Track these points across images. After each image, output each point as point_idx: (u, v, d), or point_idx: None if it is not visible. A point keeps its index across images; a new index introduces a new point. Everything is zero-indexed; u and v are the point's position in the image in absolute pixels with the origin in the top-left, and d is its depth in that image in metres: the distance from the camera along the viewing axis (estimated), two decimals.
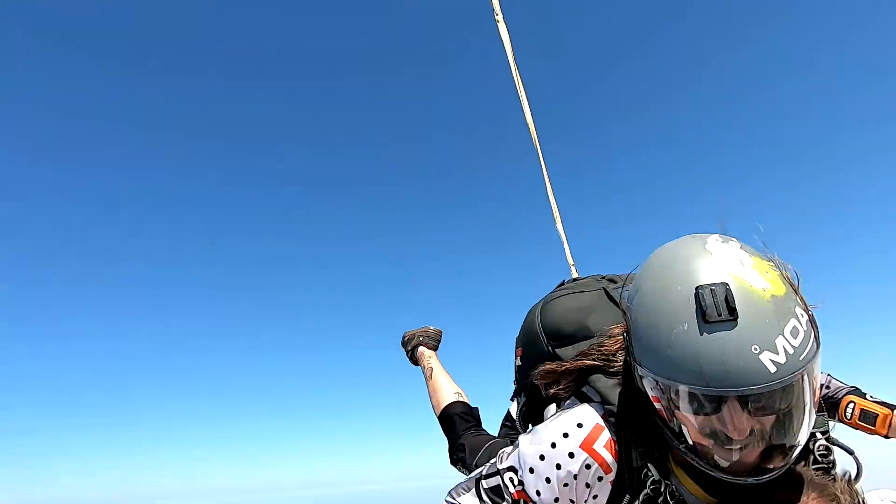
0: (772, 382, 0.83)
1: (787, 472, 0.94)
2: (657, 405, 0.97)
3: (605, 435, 1.05)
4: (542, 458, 1.06)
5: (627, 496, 1.03)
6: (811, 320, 0.91)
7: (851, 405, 1.38)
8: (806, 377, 0.88)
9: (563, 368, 1.21)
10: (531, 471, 1.06)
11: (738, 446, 0.90)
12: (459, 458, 2.00)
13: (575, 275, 2.14)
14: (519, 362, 1.55)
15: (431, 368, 2.38)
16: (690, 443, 0.94)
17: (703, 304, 0.85)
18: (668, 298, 0.90)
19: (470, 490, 1.16)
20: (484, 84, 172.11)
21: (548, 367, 1.26)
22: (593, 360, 1.16)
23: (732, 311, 0.84)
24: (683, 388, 0.89)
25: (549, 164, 2.80)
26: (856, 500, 0.95)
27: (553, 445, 1.05)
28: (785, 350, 0.84)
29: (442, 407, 2.21)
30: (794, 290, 0.92)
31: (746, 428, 0.88)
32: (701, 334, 0.85)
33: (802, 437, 0.94)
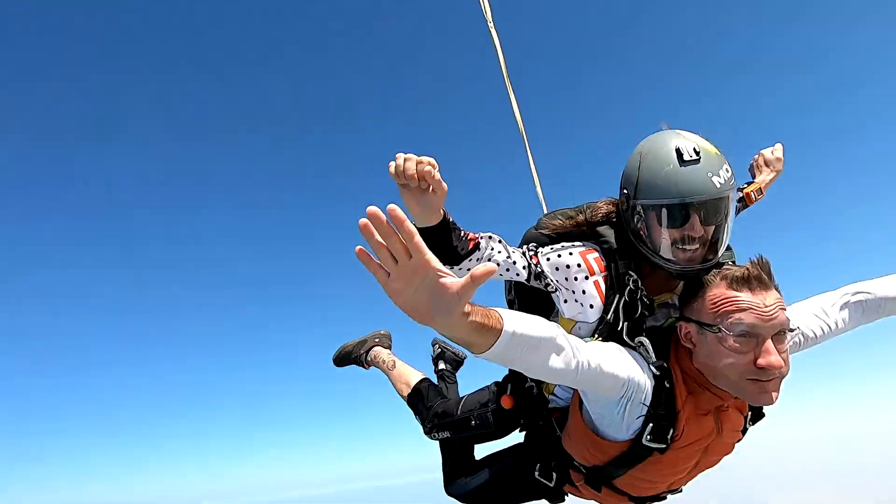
0: (717, 192, 1.40)
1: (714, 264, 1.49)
2: (642, 232, 1.50)
3: (596, 255, 1.58)
4: (552, 253, 1.58)
5: (617, 296, 1.54)
6: (732, 172, 1.48)
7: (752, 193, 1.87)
8: (731, 197, 1.46)
9: (570, 221, 1.69)
10: (546, 258, 1.57)
11: (693, 247, 1.45)
12: (436, 423, 2.11)
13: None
14: None
15: (394, 361, 2.45)
16: (661, 252, 1.47)
17: (681, 153, 1.42)
18: (659, 155, 1.46)
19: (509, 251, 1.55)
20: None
21: (556, 222, 1.72)
22: (588, 215, 1.67)
23: (697, 154, 1.41)
24: (667, 204, 1.42)
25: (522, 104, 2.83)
26: (762, 267, 1.35)
27: (561, 251, 1.58)
28: (723, 177, 1.42)
29: (412, 385, 2.29)
30: (725, 158, 1.48)
31: (700, 232, 1.43)
32: (680, 169, 1.41)
33: (725, 242, 1.51)
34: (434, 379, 2.46)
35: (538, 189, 2.78)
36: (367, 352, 2.56)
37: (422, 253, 0.92)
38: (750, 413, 1.53)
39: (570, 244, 1.61)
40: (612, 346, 1.41)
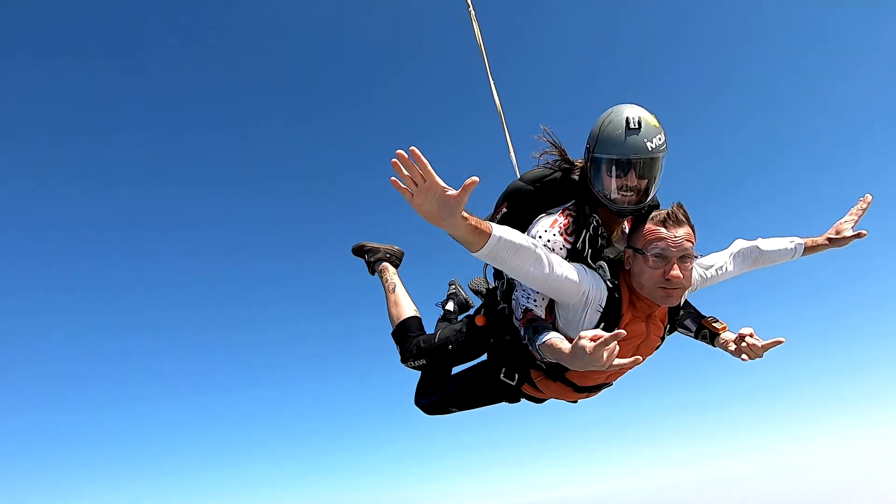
0: (649, 154, 1.88)
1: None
2: (596, 179, 1.97)
3: (566, 212, 2.05)
4: (538, 223, 2.05)
5: (584, 231, 2.01)
6: (665, 140, 1.93)
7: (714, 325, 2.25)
8: (661, 161, 1.94)
9: (548, 169, 2.18)
10: (548, 238, 1.99)
11: (630, 194, 1.92)
12: (414, 352, 2.43)
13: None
14: (505, 210, 2.25)
15: (395, 284, 2.76)
16: (609, 195, 1.95)
17: (629, 122, 1.89)
18: (614, 122, 1.93)
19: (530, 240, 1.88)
20: None
21: (536, 171, 2.21)
22: (562, 165, 2.15)
23: (639, 125, 1.88)
24: (614, 158, 1.90)
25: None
26: (678, 210, 1.85)
27: (540, 224, 2.04)
28: (656, 144, 1.89)
29: (402, 318, 2.60)
30: (662, 129, 1.93)
31: (636, 183, 1.91)
32: (626, 133, 1.88)
33: (653, 192, 1.98)
34: (424, 319, 2.70)
35: (511, 155, 2.93)
36: (378, 261, 2.86)
37: (431, 177, 1.47)
38: (668, 325, 2.09)
39: (544, 216, 2.11)
40: (578, 265, 1.93)
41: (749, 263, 2.30)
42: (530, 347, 1.86)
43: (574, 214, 2.04)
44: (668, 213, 1.85)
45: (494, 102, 2.98)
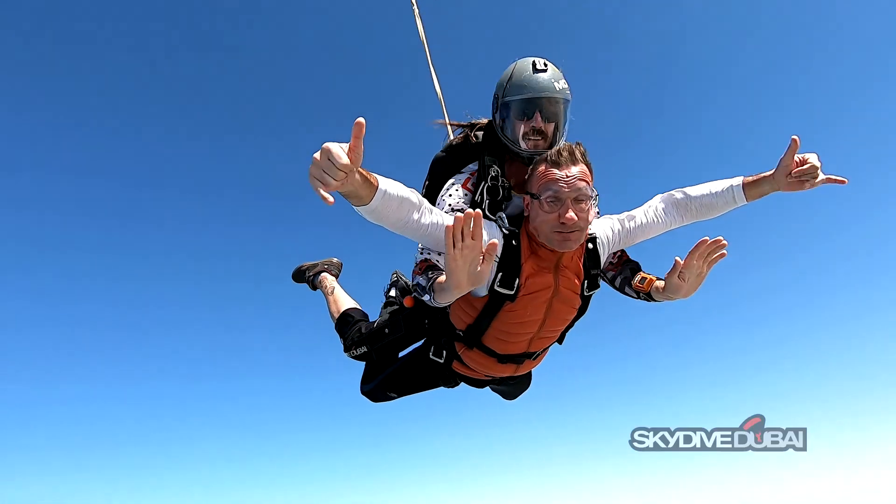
0: (556, 93, 1.90)
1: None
2: (505, 126, 1.98)
3: (466, 174, 2.07)
4: (448, 196, 2.02)
5: (483, 182, 1.98)
6: (569, 88, 1.96)
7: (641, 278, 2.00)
8: (564, 105, 1.95)
9: (460, 136, 2.21)
10: (448, 193, 2.02)
11: (538, 138, 1.92)
12: (354, 340, 2.40)
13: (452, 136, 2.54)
14: (427, 183, 2.23)
15: (333, 287, 2.77)
16: (517, 141, 1.95)
17: (535, 64, 1.93)
18: (521, 66, 1.97)
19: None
20: None
21: (450, 140, 2.26)
22: (469, 126, 2.21)
23: (546, 66, 1.94)
24: (523, 98, 1.90)
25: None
26: (570, 149, 1.74)
27: (448, 191, 2.04)
28: (561, 86, 1.93)
29: (342, 310, 2.58)
30: (564, 77, 1.97)
31: (542, 126, 1.91)
32: (533, 74, 1.92)
33: (562, 138, 1.97)
34: (365, 311, 2.69)
35: (444, 112, 2.83)
36: (316, 275, 2.88)
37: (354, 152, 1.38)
38: (587, 281, 1.92)
39: (453, 178, 2.11)
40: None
41: (680, 213, 2.00)
42: (426, 297, 1.75)
43: (477, 170, 2.06)
44: (558, 154, 1.74)
45: (435, 90, 2.87)
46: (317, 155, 1.35)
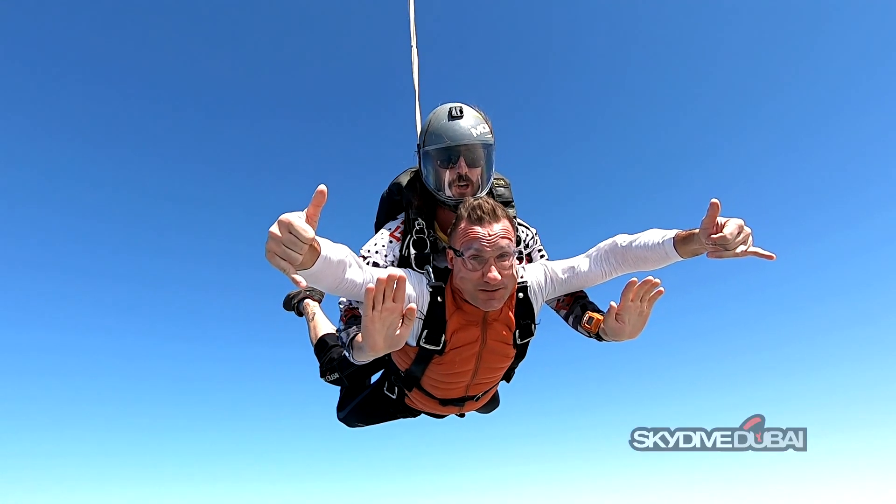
0: (473, 139, 1.89)
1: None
2: (430, 176, 1.96)
3: (395, 223, 2.07)
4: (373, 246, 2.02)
5: (408, 237, 1.97)
6: (492, 131, 1.97)
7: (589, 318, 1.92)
8: (486, 149, 1.93)
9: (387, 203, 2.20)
10: (374, 243, 2.02)
11: (464, 184, 1.90)
12: (328, 366, 2.42)
13: None
14: (376, 219, 2.28)
15: (314, 312, 2.81)
16: (443, 190, 1.93)
17: (451, 112, 1.93)
18: (437, 114, 1.97)
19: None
20: None
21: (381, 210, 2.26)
22: (395, 187, 2.17)
23: (462, 112, 1.93)
24: (440, 147, 1.89)
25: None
26: (492, 205, 1.70)
27: (374, 242, 2.03)
28: (479, 131, 1.91)
29: (319, 336, 2.60)
30: (487, 121, 1.97)
31: (467, 172, 1.89)
32: (449, 122, 1.91)
33: (487, 183, 1.99)
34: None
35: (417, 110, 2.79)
36: (300, 301, 2.91)
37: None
38: (518, 330, 1.88)
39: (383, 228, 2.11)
40: (397, 270, 1.80)
41: (618, 263, 1.86)
42: (346, 353, 1.72)
43: (404, 221, 2.05)
44: (480, 209, 1.68)
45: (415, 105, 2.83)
46: (275, 229, 1.22)
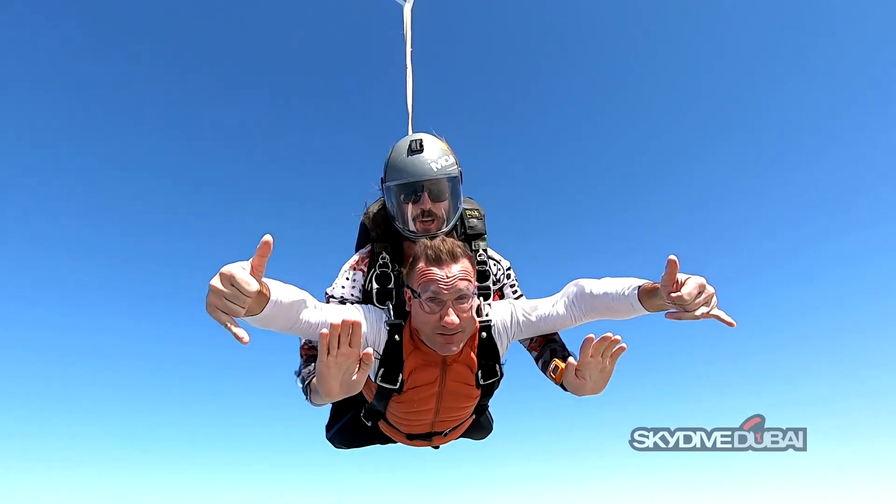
0: (436, 173, 1.85)
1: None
2: (393, 210, 1.92)
3: (362, 252, 2.03)
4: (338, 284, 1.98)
5: (372, 270, 1.92)
6: (457, 164, 1.93)
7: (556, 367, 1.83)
8: (450, 182, 1.89)
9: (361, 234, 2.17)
10: (340, 278, 1.99)
11: (429, 219, 1.87)
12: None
13: None
14: (355, 247, 2.23)
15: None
16: (407, 225, 1.89)
17: (412, 145, 1.88)
18: (398, 148, 1.93)
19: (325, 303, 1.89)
20: None
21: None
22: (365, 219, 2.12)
23: (422, 146, 1.88)
24: (400, 183, 1.85)
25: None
26: (450, 246, 1.63)
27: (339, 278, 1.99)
28: (441, 164, 1.87)
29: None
30: (452, 152, 1.94)
31: (431, 207, 1.85)
32: (409, 156, 1.87)
33: (453, 217, 1.94)
34: None
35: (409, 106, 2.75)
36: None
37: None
38: (481, 371, 1.81)
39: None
40: (353, 307, 1.78)
41: (584, 308, 1.74)
42: (304, 396, 1.68)
43: (370, 253, 2.01)
44: (438, 249, 1.61)
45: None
46: (217, 283, 1.17)
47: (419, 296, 1.61)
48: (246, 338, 1.18)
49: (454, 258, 1.61)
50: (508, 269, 2.08)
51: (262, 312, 1.36)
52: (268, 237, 1.20)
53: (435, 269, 1.59)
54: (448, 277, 1.58)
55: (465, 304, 1.61)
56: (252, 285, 1.19)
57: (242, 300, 1.19)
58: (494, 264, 2.04)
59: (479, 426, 2.29)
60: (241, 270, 1.19)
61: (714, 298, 1.43)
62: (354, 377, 1.39)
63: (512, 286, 2.08)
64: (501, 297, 2.05)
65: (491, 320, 1.80)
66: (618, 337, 1.55)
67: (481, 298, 1.84)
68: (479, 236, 2.08)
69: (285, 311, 1.45)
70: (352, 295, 1.93)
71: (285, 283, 1.49)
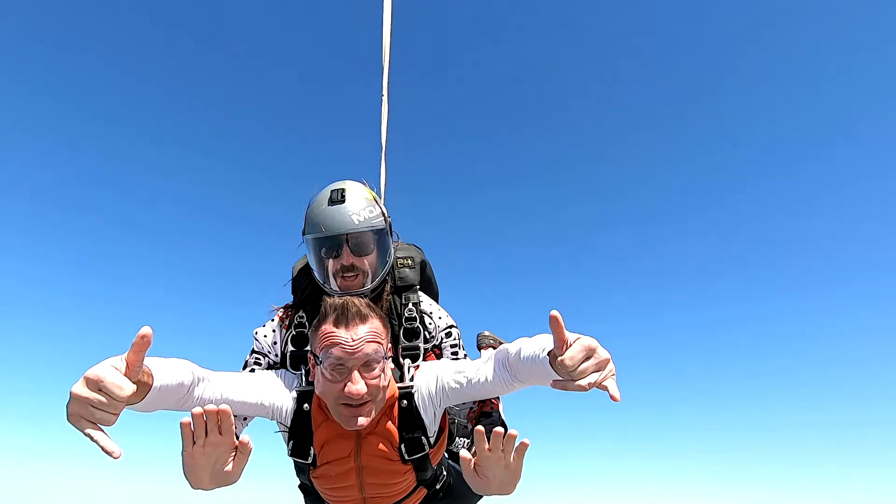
0: (355, 227, 1.68)
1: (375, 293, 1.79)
2: (313, 265, 1.78)
3: (280, 312, 1.87)
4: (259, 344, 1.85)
5: (286, 332, 1.78)
6: (385, 217, 1.79)
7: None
8: (375, 235, 1.73)
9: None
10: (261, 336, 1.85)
11: (351, 275, 1.71)
12: None
13: None
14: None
15: None
16: (328, 281, 1.74)
17: (331, 196, 1.72)
18: (317, 198, 1.76)
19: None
20: None
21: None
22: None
23: (343, 196, 1.71)
24: (316, 237, 1.71)
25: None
26: (358, 305, 1.45)
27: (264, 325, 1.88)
28: (366, 216, 1.71)
29: None
30: (377, 202, 1.78)
31: (353, 262, 1.70)
32: (327, 208, 1.70)
33: (380, 272, 1.77)
34: None
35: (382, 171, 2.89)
36: None
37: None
38: (404, 444, 1.56)
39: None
40: (256, 375, 1.62)
41: (511, 373, 1.49)
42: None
43: (290, 314, 1.85)
44: (345, 308, 1.42)
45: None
46: (81, 390, 1.00)
47: (321, 361, 1.42)
48: (117, 452, 1.01)
49: (362, 318, 1.43)
50: (449, 326, 1.86)
51: (144, 401, 1.20)
52: (146, 329, 1.03)
53: (339, 331, 1.40)
54: (353, 340, 1.39)
55: (374, 371, 1.42)
56: (126, 389, 1.02)
57: (114, 407, 1.02)
58: (429, 321, 1.83)
59: (456, 496, 1.86)
60: (111, 372, 1.02)
61: (609, 365, 1.16)
62: (228, 468, 1.22)
63: (453, 346, 1.84)
64: (439, 357, 1.83)
65: (413, 386, 1.58)
66: (513, 433, 1.33)
67: (407, 361, 1.67)
68: (410, 288, 1.90)
69: (172, 393, 1.29)
70: (270, 353, 1.80)
71: (168, 359, 1.33)
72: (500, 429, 1.33)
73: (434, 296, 2.11)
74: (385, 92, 2.93)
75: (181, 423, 1.14)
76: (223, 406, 1.15)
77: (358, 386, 1.37)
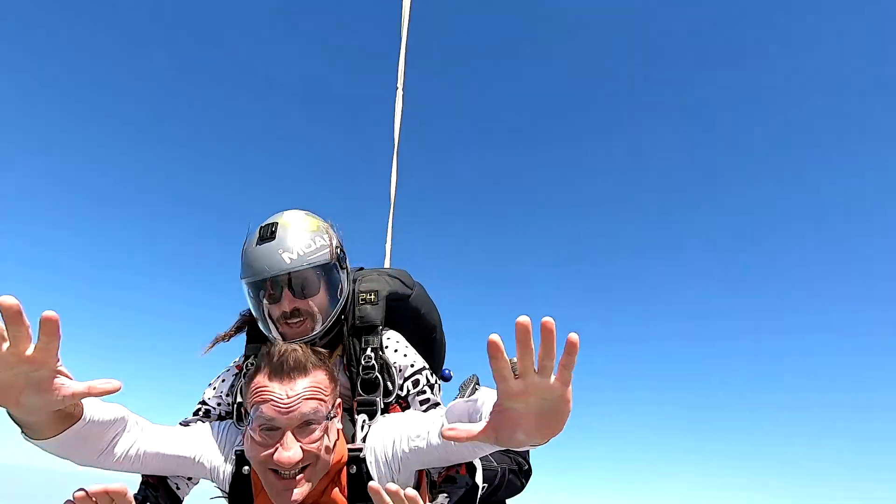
0: (285, 268, 1.44)
1: (327, 338, 1.56)
2: (254, 312, 1.56)
3: (237, 360, 1.66)
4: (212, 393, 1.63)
5: (241, 380, 1.54)
6: (332, 248, 1.54)
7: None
8: (319, 271, 1.49)
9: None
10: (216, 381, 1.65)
11: (296, 320, 1.48)
12: None
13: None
14: None
15: None
16: (270, 328, 1.52)
17: (261, 232, 1.49)
18: (249, 236, 1.53)
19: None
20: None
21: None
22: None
23: (273, 234, 1.47)
24: (248, 282, 1.50)
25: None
26: (298, 354, 1.23)
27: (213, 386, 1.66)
28: (302, 252, 1.46)
29: None
30: (325, 230, 1.56)
31: (297, 305, 1.46)
32: (256, 247, 1.47)
33: (330, 314, 1.53)
34: None
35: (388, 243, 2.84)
36: None
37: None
38: None
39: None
40: (196, 429, 1.42)
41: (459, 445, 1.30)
42: None
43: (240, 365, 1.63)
44: (282, 357, 1.21)
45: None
46: None
47: (251, 420, 1.19)
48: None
49: (302, 370, 1.21)
50: (418, 371, 1.56)
51: (63, 434, 1.07)
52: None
53: (272, 386, 1.18)
54: (289, 397, 1.17)
55: (314, 434, 1.19)
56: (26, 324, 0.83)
57: (27, 343, 0.84)
58: (396, 365, 1.55)
59: None
60: None
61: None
62: None
63: (421, 393, 1.54)
64: (405, 409, 1.54)
65: (364, 448, 1.32)
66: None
67: (362, 416, 1.43)
68: (372, 329, 1.59)
69: (98, 435, 1.16)
70: (219, 405, 1.59)
71: (102, 405, 1.19)
72: (390, 486, 1.00)
73: (427, 331, 1.86)
74: (400, 85, 2.87)
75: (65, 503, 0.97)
76: (116, 485, 0.96)
77: (290, 453, 1.14)
